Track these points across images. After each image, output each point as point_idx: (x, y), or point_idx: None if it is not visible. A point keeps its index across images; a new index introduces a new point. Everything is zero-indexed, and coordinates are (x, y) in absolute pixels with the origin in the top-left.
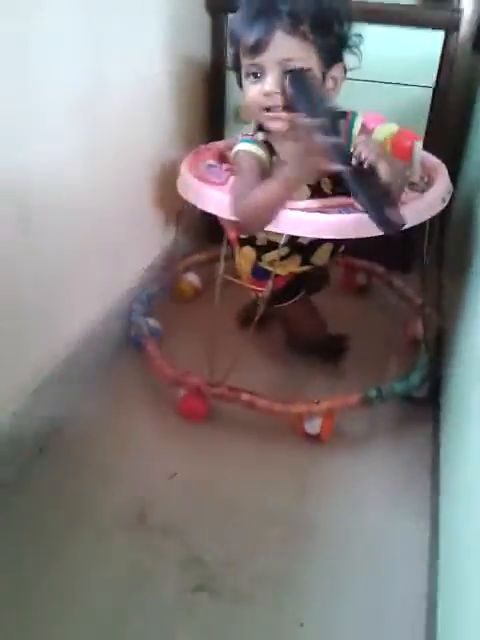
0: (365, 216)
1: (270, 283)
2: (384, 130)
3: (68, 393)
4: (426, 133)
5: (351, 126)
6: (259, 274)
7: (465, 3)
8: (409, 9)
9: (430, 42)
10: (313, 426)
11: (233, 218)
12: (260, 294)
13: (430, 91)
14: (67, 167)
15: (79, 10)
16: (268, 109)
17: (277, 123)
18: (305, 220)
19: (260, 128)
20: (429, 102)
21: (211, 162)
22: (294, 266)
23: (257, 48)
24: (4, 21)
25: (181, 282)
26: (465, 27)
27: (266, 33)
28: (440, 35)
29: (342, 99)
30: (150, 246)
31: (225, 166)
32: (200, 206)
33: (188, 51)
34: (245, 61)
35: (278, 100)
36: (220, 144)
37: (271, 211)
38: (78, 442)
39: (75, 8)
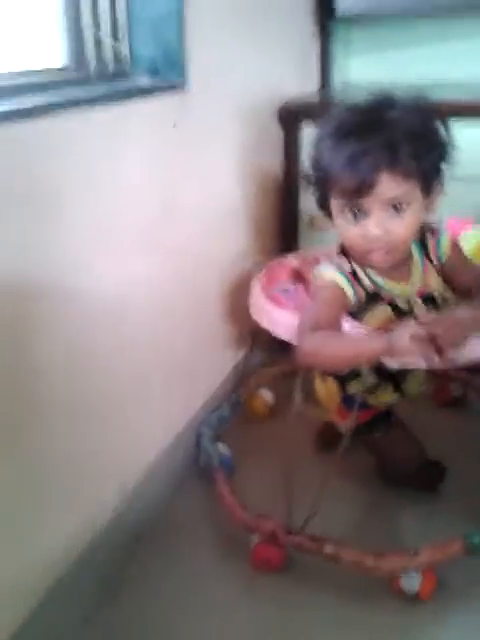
0: None
1: (354, 414)
2: (470, 237)
3: (129, 535)
4: None
5: (438, 245)
6: (349, 402)
7: None
8: None
9: None
10: (411, 583)
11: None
12: (344, 425)
13: None
14: (132, 290)
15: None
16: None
17: (381, 258)
18: None
19: (344, 251)
20: None
21: (286, 288)
22: (387, 396)
23: (360, 191)
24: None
25: (254, 399)
26: None
27: (370, 175)
28: None
29: None
30: (221, 364)
31: (300, 287)
32: (273, 332)
33: (260, 162)
34: (339, 200)
35: (383, 241)
36: (294, 260)
37: (337, 364)
38: (139, 595)
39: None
